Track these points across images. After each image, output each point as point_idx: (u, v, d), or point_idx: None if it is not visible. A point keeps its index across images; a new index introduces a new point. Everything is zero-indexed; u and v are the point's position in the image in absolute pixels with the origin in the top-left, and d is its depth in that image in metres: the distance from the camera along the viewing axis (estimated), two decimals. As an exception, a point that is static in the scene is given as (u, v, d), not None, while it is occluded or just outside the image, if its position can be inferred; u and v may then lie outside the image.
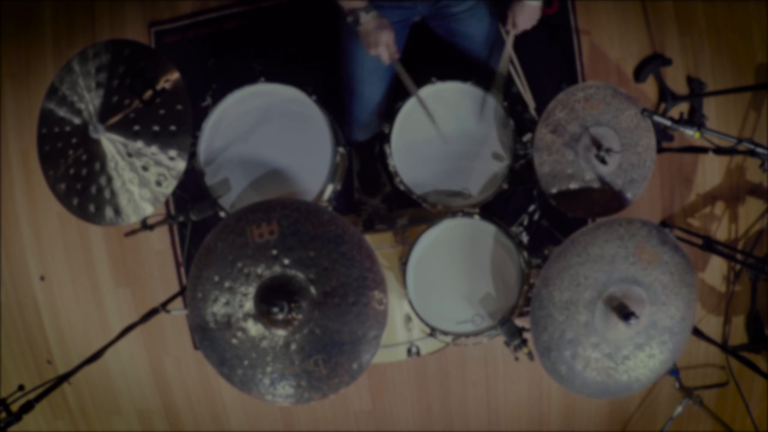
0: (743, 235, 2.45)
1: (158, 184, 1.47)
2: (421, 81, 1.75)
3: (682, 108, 2.38)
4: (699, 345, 2.45)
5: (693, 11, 2.36)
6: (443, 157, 1.76)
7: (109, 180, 1.49)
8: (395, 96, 1.83)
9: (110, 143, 1.47)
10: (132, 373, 2.67)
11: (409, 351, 1.86)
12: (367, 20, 1.56)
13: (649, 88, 2.40)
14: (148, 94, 1.47)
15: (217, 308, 1.29)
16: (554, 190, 1.63)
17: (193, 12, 2.48)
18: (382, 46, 1.57)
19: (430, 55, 1.85)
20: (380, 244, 1.83)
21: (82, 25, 2.53)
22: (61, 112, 1.52)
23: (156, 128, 1.46)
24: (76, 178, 1.51)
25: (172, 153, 1.45)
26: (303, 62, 2.43)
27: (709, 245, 2.00)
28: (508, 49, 1.79)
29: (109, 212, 1.52)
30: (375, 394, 2.59)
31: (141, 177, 1.48)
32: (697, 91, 2.36)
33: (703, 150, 1.81)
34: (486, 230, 1.71)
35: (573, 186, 1.63)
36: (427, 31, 1.87)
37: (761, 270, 2.20)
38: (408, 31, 1.83)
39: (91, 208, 1.52)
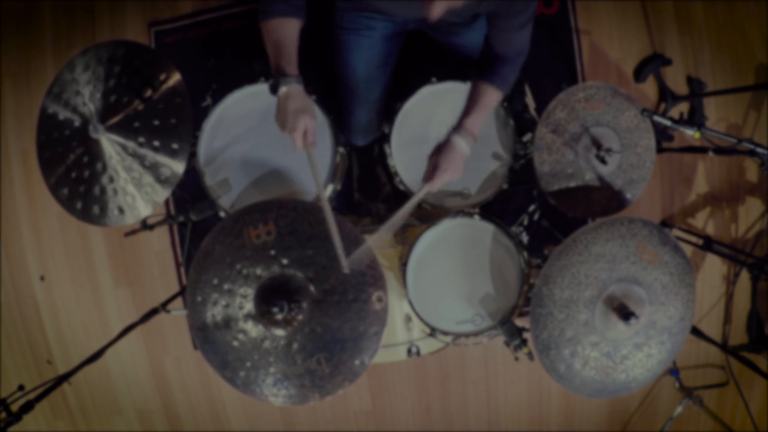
0: (743, 235, 2.45)
1: (161, 180, 1.47)
2: (421, 81, 1.75)
3: (682, 108, 2.38)
4: (699, 345, 2.45)
5: (693, 11, 2.36)
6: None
7: (112, 179, 1.49)
8: (395, 96, 1.83)
9: (110, 143, 1.47)
10: (132, 373, 2.67)
11: (409, 351, 1.86)
12: (288, 94, 1.33)
13: (649, 88, 2.39)
14: (147, 92, 1.47)
15: (218, 311, 1.29)
16: (554, 190, 1.63)
17: (193, 12, 2.48)
18: (298, 133, 1.33)
19: (430, 55, 1.85)
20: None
21: (82, 25, 2.53)
22: (61, 116, 1.52)
23: (156, 122, 1.46)
24: (79, 180, 1.51)
25: (174, 146, 1.45)
26: (303, 62, 2.43)
27: (709, 245, 2.00)
28: (410, 205, 1.43)
29: (113, 212, 1.52)
30: (375, 394, 2.59)
31: (143, 174, 1.48)
32: (697, 91, 2.36)
33: (703, 150, 1.81)
34: (486, 230, 1.71)
35: (573, 186, 1.63)
36: (423, 33, 1.86)
37: (761, 270, 2.20)
38: (403, 38, 1.82)
39: (95, 209, 1.52)
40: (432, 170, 1.46)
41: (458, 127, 1.47)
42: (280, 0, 1.38)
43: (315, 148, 1.39)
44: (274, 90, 1.35)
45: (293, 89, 1.34)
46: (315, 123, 1.37)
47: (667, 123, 1.62)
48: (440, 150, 1.47)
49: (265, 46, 1.40)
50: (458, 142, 1.45)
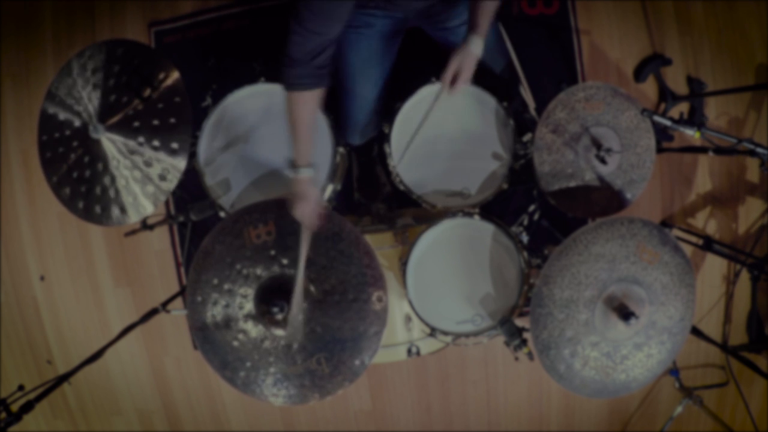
0: (743, 235, 2.45)
1: (162, 178, 1.47)
2: (420, 81, 1.75)
3: (682, 108, 2.38)
4: (699, 345, 2.45)
5: (693, 11, 2.36)
6: (443, 157, 1.76)
7: (113, 179, 1.50)
8: (395, 96, 1.83)
9: (111, 143, 1.47)
10: (132, 373, 2.67)
11: (409, 351, 1.85)
12: (301, 181, 1.36)
13: (649, 88, 2.39)
14: (147, 91, 1.47)
15: (218, 311, 1.29)
16: (554, 190, 1.63)
17: (193, 12, 2.48)
18: (307, 215, 1.33)
19: (430, 55, 1.84)
20: (380, 244, 1.82)
21: (82, 25, 2.53)
22: (61, 116, 1.52)
23: (156, 122, 1.46)
24: (80, 180, 1.52)
25: (174, 145, 1.45)
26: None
27: (709, 245, 2.00)
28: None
29: (115, 211, 1.52)
30: (375, 394, 2.58)
31: (144, 173, 1.48)
32: (697, 91, 2.36)
33: (703, 150, 1.81)
34: (486, 230, 1.71)
35: (573, 186, 1.63)
36: (422, 31, 1.86)
37: (761, 270, 2.20)
38: (401, 37, 1.82)
39: (97, 209, 1.52)
40: (454, 73, 1.56)
41: (476, 28, 1.52)
42: (308, 74, 1.33)
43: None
44: (292, 168, 1.37)
45: (306, 175, 1.37)
46: (323, 209, 1.38)
47: (667, 123, 1.61)
48: (462, 54, 1.55)
49: (289, 112, 1.39)
50: (476, 45, 1.53)
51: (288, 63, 1.31)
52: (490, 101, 1.76)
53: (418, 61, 1.78)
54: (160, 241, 2.56)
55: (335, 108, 1.87)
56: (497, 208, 2.36)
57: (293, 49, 1.29)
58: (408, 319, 1.84)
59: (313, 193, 1.36)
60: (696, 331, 1.62)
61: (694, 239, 2.21)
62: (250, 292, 1.28)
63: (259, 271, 1.27)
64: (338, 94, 1.87)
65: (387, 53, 1.79)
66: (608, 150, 1.56)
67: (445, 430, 2.62)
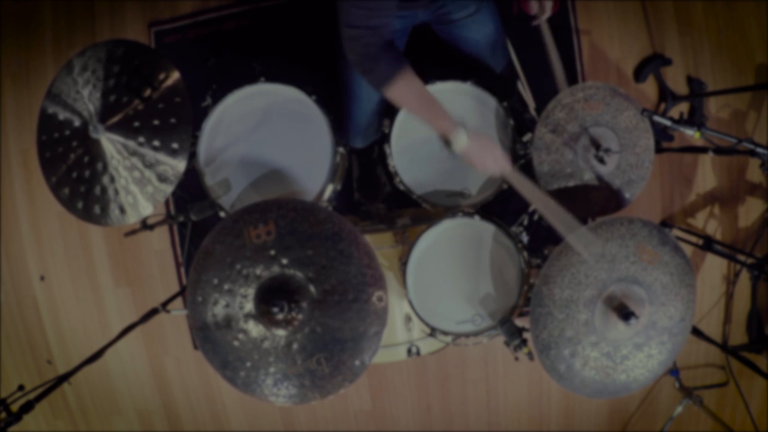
0: (743, 235, 2.45)
1: (162, 179, 1.47)
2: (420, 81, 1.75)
3: (682, 108, 2.38)
4: (699, 345, 2.45)
5: (693, 11, 2.36)
6: (443, 157, 1.76)
7: (113, 179, 1.50)
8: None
9: (111, 143, 1.47)
10: (132, 373, 2.67)
11: (409, 351, 1.85)
12: (467, 142, 1.42)
13: (649, 88, 2.40)
14: (147, 91, 1.47)
15: (218, 311, 1.29)
16: (553, 189, 1.64)
17: (193, 12, 2.48)
18: (491, 163, 1.44)
19: (430, 55, 1.85)
20: (380, 244, 1.82)
21: (82, 25, 2.53)
22: (61, 116, 1.52)
23: (156, 122, 1.46)
24: (80, 180, 1.52)
25: (174, 145, 1.45)
26: (303, 62, 2.44)
27: (709, 245, 2.00)
28: (549, 39, 1.61)
29: (114, 212, 1.52)
30: (375, 394, 2.59)
31: (144, 173, 1.48)
32: (697, 91, 2.36)
33: (703, 150, 1.81)
34: (486, 230, 1.71)
35: (571, 185, 1.63)
36: (426, 31, 1.86)
37: (761, 270, 2.20)
38: (407, 37, 1.82)
39: (97, 209, 1.52)
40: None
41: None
42: (385, 61, 1.35)
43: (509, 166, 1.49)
44: (448, 144, 1.44)
45: (465, 135, 1.41)
46: (498, 148, 1.46)
47: (667, 123, 1.62)
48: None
49: (402, 106, 1.44)
50: None
51: (366, 69, 1.35)
52: (490, 101, 1.76)
53: (418, 61, 1.78)
54: (160, 241, 2.56)
55: (336, 108, 1.87)
56: (497, 208, 2.36)
57: (359, 48, 1.32)
58: (408, 319, 1.84)
59: (486, 141, 1.43)
60: (696, 331, 1.62)
61: (694, 239, 2.21)
62: (250, 292, 1.28)
63: (259, 271, 1.27)
64: (341, 98, 1.87)
65: None
66: (607, 150, 1.56)
67: (445, 430, 2.62)
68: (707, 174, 2.43)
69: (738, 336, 2.50)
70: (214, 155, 1.73)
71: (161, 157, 1.46)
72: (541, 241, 2.33)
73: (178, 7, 2.49)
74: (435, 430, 2.62)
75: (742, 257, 2.23)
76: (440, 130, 1.43)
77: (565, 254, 1.28)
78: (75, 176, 1.51)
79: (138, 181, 1.49)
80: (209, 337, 1.30)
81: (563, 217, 1.36)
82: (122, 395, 2.70)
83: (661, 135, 2.32)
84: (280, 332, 1.26)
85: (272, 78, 1.73)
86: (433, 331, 1.69)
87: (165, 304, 1.83)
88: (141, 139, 1.46)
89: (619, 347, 1.32)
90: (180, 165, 1.46)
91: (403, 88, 1.38)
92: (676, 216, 2.45)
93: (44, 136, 1.54)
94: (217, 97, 1.74)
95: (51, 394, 1.38)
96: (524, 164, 1.77)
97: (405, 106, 1.43)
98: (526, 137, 1.80)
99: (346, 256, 1.25)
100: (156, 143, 1.46)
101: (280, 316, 1.23)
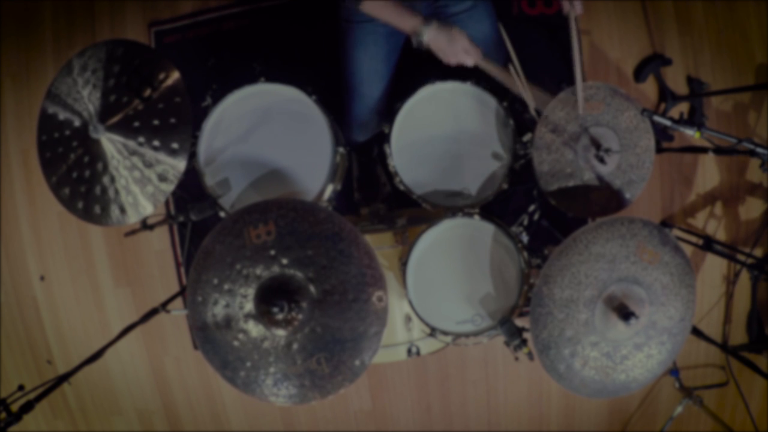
0: (743, 235, 2.45)
1: (162, 178, 1.47)
2: (421, 81, 1.75)
3: (682, 108, 2.38)
4: (699, 345, 2.45)
5: (693, 11, 2.36)
6: (443, 157, 1.77)
7: (113, 179, 1.50)
8: (395, 96, 1.83)
9: (111, 143, 1.47)
10: (132, 373, 2.67)
11: (409, 351, 1.86)
12: (434, 35, 1.51)
13: (649, 88, 2.40)
14: (147, 91, 1.47)
15: (218, 311, 1.29)
16: (553, 189, 1.64)
17: (193, 12, 2.48)
18: (461, 54, 1.53)
19: (430, 55, 1.84)
20: (380, 244, 1.83)
21: (82, 25, 2.53)
22: (61, 116, 1.52)
23: (156, 122, 1.46)
24: (80, 180, 1.51)
25: (174, 145, 1.45)
26: (303, 62, 2.44)
27: (709, 245, 2.00)
28: (575, 34, 1.60)
29: (115, 212, 1.52)
30: (375, 394, 2.59)
31: (144, 173, 1.48)
32: (697, 91, 2.36)
33: (703, 150, 1.81)
34: (486, 230, 1.71)
35: (571, 185, 1.63)
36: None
37: (761, 270, 2.20)
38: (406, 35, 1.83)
39: (97, 209, 1.52)
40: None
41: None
42: None
43: (481, 52, 1.57)
44: (419, 42, 1.51)
45: (432, 27, 1.50)
46: (465, 36, 1.52)
47: (667, 123, 1.61)
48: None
49: (378, 18, 1.55)
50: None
51: None
52: (490, 101, 1.76)
53: (418, 61, 1.78)
54: (160, 241, 2.56)
55: (336, 107, 1.87)
56: (497, 208, 2.36)
57: None
58: (408, 319, 1.84)
59: (453, 32, 1.51)
60: (696, 331, 1.62)
61: (694, 239, 2.21)
62: (250, 292, 1.28)
63: (259, 271, 1.27)
64: (342, 92, 1.87)
65: (393, 50, 1.80)
66: (607, 150, 1.56)
67: (445, 430, 2.62)
68: (707, 174, 2.43)
69: (738, 336, 2.50)
70: (214, 155, 1.73)
71: (161, 156, 1.46)
72: (541, 241, 2.33)
73: (178, 7, 2.49)
74: (435, 430, 2.62)
75: (742, 257, 2.23)
76: (408, 31, 1.53)
77: (565, 254, 1.28)
78: (75, 176, 1.51)
79: (138, 181, 1.48)
80: (209, 337, 1.30)
81: (538, 95, 1.56)
82: (122, 395, 2.70)
83: (661, 135, 2.32)
84: (280, 332, 1.26)
85: (272, 78, 1.73)
86: (433, 331, 1.69)
87: (165, 304, 1.83)
88: (141, 139, 1.46)
89: (619, 347, 1.32)
90: (180, 165, 1.46)
91: (370, 4, 1.52)
92: (676, 216, 2.45)
93: (44, 136, 1.54)
94: (217, 97, 1.74)
95: (51, 394, 1.37)
96: (524, 164, 1.77)
97: (376, 17, 1.56)
98: (526, 137, 1.79)
99: (346, 256, 1.25)
100: (156, 143, 1.46)
101: (280, 316, 1.23)
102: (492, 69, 1.60)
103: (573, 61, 1.54)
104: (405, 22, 1.53)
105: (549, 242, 2.32)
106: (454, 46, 1.51)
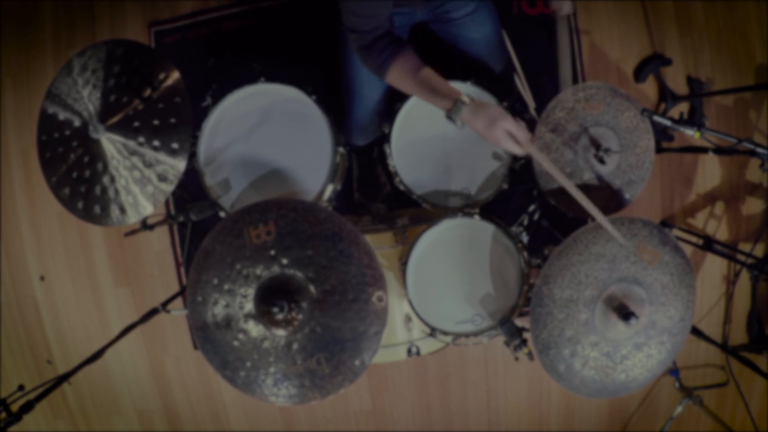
0: (743, 235, 2.45)
1: (162, 178, 1.47)
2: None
3: (682, 108, 2.38)
4: (699, 345, 2.45)
5: (693, 11, 2.36)
6: (443, 157, 1.76)
7: (113, 179, 1.50)
8: (395, 96, 1.83)
9: (111, 143, 1.47)
10: (132, 373, 2.67)
11: (409, 351, 1.86)
12: (469, 116, 1.33)
13: (649, 88, 2.40)
14: (147, 91, 1.47)
15: (218, 311, 1.29)
16: (553, 189, 1.64)
17: (193, 12, 2.48)
18: (504, 140, 1.32)
19: (430, 56, 1.84)
20: (380, 244, 1.83)
21: (82, 25, 2.53)
22: (61, 116, 1.52)
23: (156, 122, 1.46)
24: (80, 180, 1.52)
25: (174, 145, 1.45)
26: (303, 62, 2.44)
27: (709, 245, 2.00)
28: (563, 37, 1.57)
29: (115, 212, 1.52)
30: (375, 394, 2.59)
31: (144, 173, 1.48)
32: (697, 91, 2.36)
33: (703, 150, 1.81)
34: (486, 230, 1.71)
35: (572, 185, 1.63)
36: (426, 31, 1.86)
37: (761, 270, 2.20)
38: (407, 36, 1.83)
39: (97, 209, 1.52)
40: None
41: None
42: (383, 47, 1.41)
43: (535, 142, 1.39)
44: (454, 119, 1.36)
45: (467, 109, 1.34)
46: (509, 118, 1.32)
47: (667, 123, 1.62)
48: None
49: (403, 89, 1.45)
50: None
51: (362, 56, 1.44)
52: (490, 101, 1.75)
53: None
54: (160, 241, 2.56)
55: (336, 107, 1.87)
56: (497, 208, 2.36)
57: (356, 44, 1.43)
58: (408, 319, 1.84)
59: (496, 110, 1.31)
60: (696, 331, 1.62)
61: (694, 239, 2.21)
62: (250, 292, 1.28)
63: (259, 271, 1.27)
64: (342, 95, 1.87)
65: None
66: (607, 150, 1.56)
67: (445, 430, 2.62)
68: (707, 174, 2.43)
69: (738, 336, 2.50)
70: (214, 155, 1.73)
71: (161, 156, 1.46)
72: (541, 241, 2.33)
73: (178, 7, 2.49)
74: (435, 430, 2.62)
75: (742, 257, 2.23)
76: (443, 107, 1.39)
77: (565, 254, 1.28)
78: (75, 176, 1.51)
79: (138, 181, 1.49)
80: (209, 337, 1.30)
81: (587, 202, 1.33)
82: (122, 395, 2.70)
83: (661, 135, 2.32)
84: (280, 332, 1.26)
85: (272, 78, 1.74)
86: (433, 331, 1.69)
87: (165, 304, 1.83)
88: (141, 139, 1.46)
89: (619, 347, 1.32)
90: (180, 165, 1.46)
91: (398, 76, 1.43)
92: (676, 216, 2.45)
93: (44, 136, 1.54)
94: (217, 97, 1.74)
95: (51, 394, 1.38)
96: (524, 164, 1.78)
97: (404, 91, 1.47)
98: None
99: (346, 256, 1.25)
100: (156, 143, 1.46)
101: (280, 316, 1.23)
102: (542, 158, 1.37)
103: (558, 62, 1.51)
104: (438, 103, 1.38)
105: (549, 242, 2.31)
106: (495, 132, 1.31)
